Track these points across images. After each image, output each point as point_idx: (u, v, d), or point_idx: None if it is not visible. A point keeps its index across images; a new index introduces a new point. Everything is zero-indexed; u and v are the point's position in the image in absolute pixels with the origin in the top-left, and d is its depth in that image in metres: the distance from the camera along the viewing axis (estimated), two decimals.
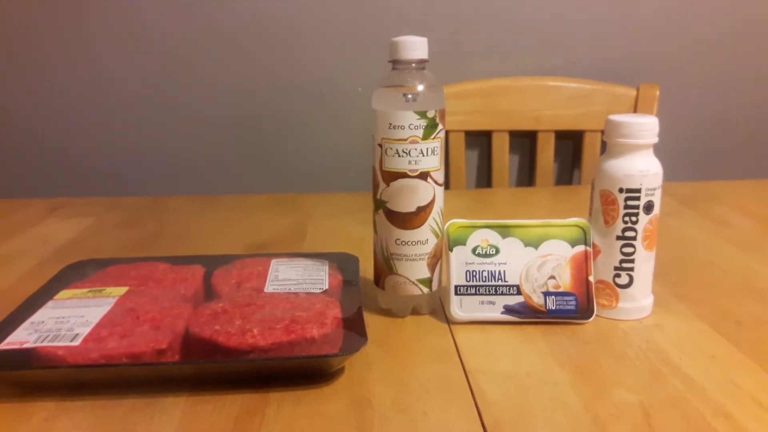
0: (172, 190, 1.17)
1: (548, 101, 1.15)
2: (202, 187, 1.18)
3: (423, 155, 0.53)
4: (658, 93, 1.13)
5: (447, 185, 1.19)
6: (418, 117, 0.52)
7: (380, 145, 0.54)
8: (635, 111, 1.13)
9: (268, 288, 0.55)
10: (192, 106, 1.15)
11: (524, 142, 1.20)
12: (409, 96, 0.52)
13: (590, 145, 1.16)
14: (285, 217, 0.89)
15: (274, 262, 0.61)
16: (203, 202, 0.97)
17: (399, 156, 0.53)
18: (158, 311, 0.50)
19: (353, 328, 0.49)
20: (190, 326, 0.48)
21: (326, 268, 0.60)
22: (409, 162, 0.53)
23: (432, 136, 0.53)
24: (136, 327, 0.48)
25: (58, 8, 1.10)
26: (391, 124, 0.52)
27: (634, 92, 1.14)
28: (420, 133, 0.52)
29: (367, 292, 0.60)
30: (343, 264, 0.62)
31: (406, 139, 0.52)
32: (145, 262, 0.62)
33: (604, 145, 1.19)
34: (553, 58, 1.17)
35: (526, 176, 1.22)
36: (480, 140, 1.19)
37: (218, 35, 1.12)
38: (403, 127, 0.52)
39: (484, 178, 1.22)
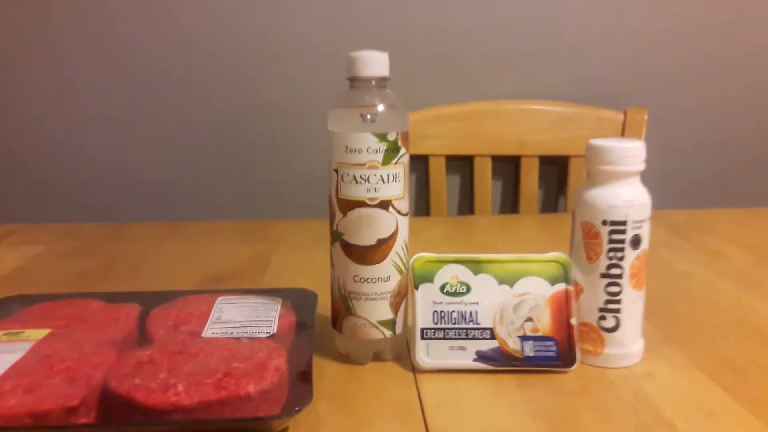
0: (134, 216, 1.11)
1: (532, 125, 1.10)
2: (167, 212, 1.11)
3: (383, 182, 0.47)
4: (646, 117, 1.09)
5: (427, 211, 1.13)
6: (378, 140, 0.46)
7: (336, 171, 0.48)
8: (623, 135, 1.09)
9: (207, 332, 0.49)
10: (157, 127, 1.09)
11: (508, 167, 1.15)
12: (368, 117, 0.47)
13: (576, 171, 1.10)
14: (249, 246, 0.82)
15: (220, 300, 0.54)
16: (165, 230, 0.91)
17: (356, 183, 0.47)
18: (76, 359, 0.44)
19: (300, 382, 0.43)
20: (108, 379, 0.41)
21: (278, 307, 0.53)
22: (368, 189, 0.47)
23: (393, 161, 0.47)
24: (46, 379, 0.42)
25: (18, 24, 1.04)
26: (347, 147, 0.47)
27: (621, 116, 1.10)
28: (380, 157, 0.47)
29: (325, 334, 0.54)
30: (299, 301, 0.56)
31: (364, 164, 0.47)
32: (78, 299, 0.55)
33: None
34: (536, 81, 1.12)
35: (510, 203, 1.17)
36: (462, 165, 1.14)
37: (181, 56, 1.06)
38: (360, 151, 0.46)
39: (466, 204, 1.16)
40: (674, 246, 0.82)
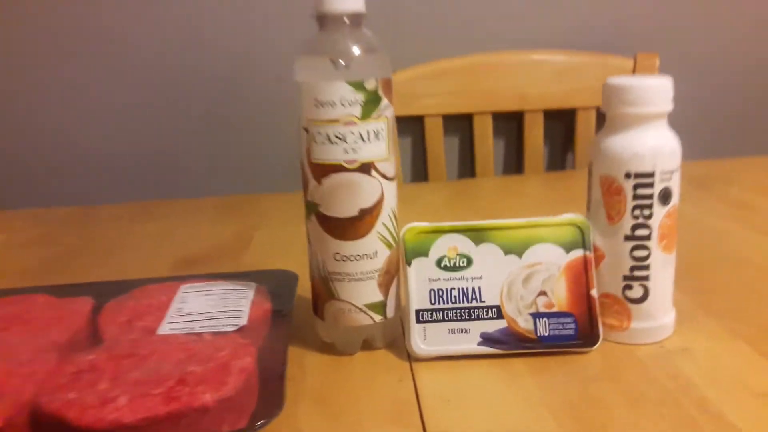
0: (105, 198, 1.03)
1: (534, 77, 1.01)
2: (141, 192, 1.03)
3: (363, 140, 0.39)
4: (658, 62, 1.00)
5: (425, 176, 1.05)
6: (353, 89, 0.39)
7: (306, 130, 0.40)
8: None
9: (164, 328, 0.41)
10: (129, 101, 1.00)
11: (510, 124, 1.07)
12: (340, 62, 0.39)
13: (584, 125, 1.02)
14: (229, 225, 0.75)
15: (183, 288, 0.47)
16: (138, 211, 0.84)
17: (331, 143, 0.39)
18: (5, 370, 0.37)
19: (272, 384, 0.36)
20: (39, 393, 0.34)
21: (251, 293, 0.46)
22: (345, 150, 0.39)
23: (374, 115, 0.39)
24: None
25: None
26: (317, 100, 0.39)
27: (630, 63, 1.01)
28: (357, 110, 0.39)
29: (308, 322, 0.47)
30: (277, 285, 0.49)
31: (338, 120, 0.39)
32: (22, 296, 0.48)
33: (600, 119, 1.06)
34: (536, 28, 1.03)
35: (514, 163, 1.09)
36: (460, 125, 1.06)
37: (143, 26, 0.97)
38: (333, 104, 0.39)
39: (467, 167, 1.08)
40: (697, 200, 0.74)
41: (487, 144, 1.02)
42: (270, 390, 0.36)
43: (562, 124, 1.07)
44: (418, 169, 1.07)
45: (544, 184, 0.89)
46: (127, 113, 1.00)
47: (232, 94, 1.00)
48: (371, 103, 0.39)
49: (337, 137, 0.39)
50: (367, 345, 0.45)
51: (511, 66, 1.01)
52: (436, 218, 0.71)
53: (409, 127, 1.04)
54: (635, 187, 0.41)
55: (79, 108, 1.00)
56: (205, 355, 0.37)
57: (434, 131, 1.01)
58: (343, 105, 0.38)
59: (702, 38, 1.06)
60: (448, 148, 1.07)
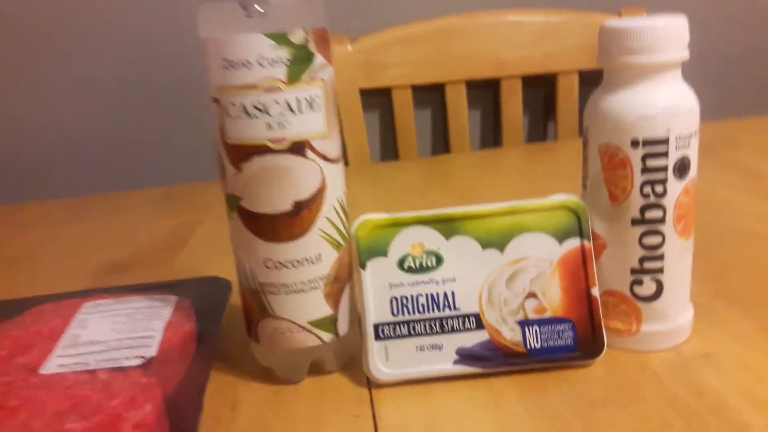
0: (33, 194, 0.92)
1: (511, 40, 0.92)
2: (80, 186, 0.92)
3: (292, 112, 0.30)
4: None
5: (394, 154, 0.96)
6: (274, 44, 0.29)
7: (216, 100, 0.31)
8: None
9: (50, 364, 0.32)
10: (63, 84, 0.89)
11: (485, 93, 0.98)
12: (255, 7, 0.29)
13: (565, 91, 0.93)
14: (169, 219, 0.65)
15: (86, 306, 0.38)
16: (68, 209, 0.73)
17: (249, 116, 0.30)
18: None
19: None
20: None
21: (168, 312, 0.37)
22: (269, 126, 0.30)
23: (305, 77, 0.30)
24: None
25: None
26: (226, 60, 0.29)
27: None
28: (281, 72, 0.29)
29: (243, 342, 0.38)
30: (205, 298, 0.40)
31: (256, 86, 0.29)
32: None
33: (588, 80, 0.97)
34: None
35: (491, 135, 1.00)
36: (431, 96, 0.96)
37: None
38: (248, 64, 0.29)
39: (441, 141, 0.99)
40: (699, 169, 0.65)
41: (461, 116, 0.93)
42: None
43: (542, 92, 0.99)
44: (386, 147, 0.98)
45: (525, 157, 0.80)
46: (56, 100, 0.89)
47: (171, 70, 0.89)
48: (300, 61, 0.30)
49: (256, 108, 0.29)
50: (316, 368, 0.36)
51: (485, 28, 0.91)
52: (405, 202, 0.62)
53: (376, 100, 0.94)
54: (645, 157, 0.32)
55: (8, 94, 0.88)
56: (93, 404, 0.28)
57: (403, 104, 0.92)
58: (261, 65, 0.29)
59: None
60: (419, 122, 0.97)
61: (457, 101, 0.93)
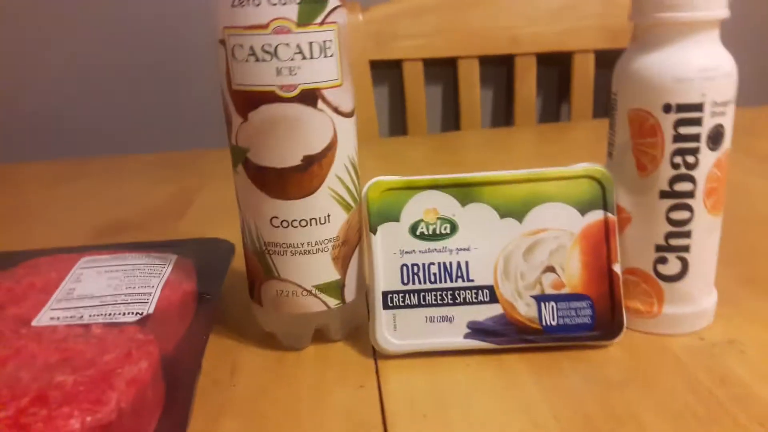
0: (31, 155, 0.90)
1: (526, 15, 0.89)
2: (73, 148, 0.90)
3: (303, 56, 0.28)
4: None
5: (403, 130, 0.94)
6: None
7: (223, 43, 0.29)
8: None
9: (43, 316, 0.31)
10: (53, 54, 0.87)
11: (499, 70, 0.95)
12: None
13: (581, 71, 0.91)
14: (168, 185, 0.63)
15: (82, 262, 0.36)
16: (65, 169, 0.71)
17: (257, 60, 0.28)
18: None
19: (178, 400, 0.26)
20: None
21: (167, 270, 0.35)
22: (279, 71, 0.28)
23: (318, 19, 0.28)
24: None
25: None
26: None
27: None
28: (292, 11, 0.27)
29: (246, 306, 0.36)
30: (206, 259, 0.38)
31: (266, 26, 0.27)
32: None
33: (604, 59, 0.94)
34: None
35: (503, 114, 0.98)
36: (443, 71, 0.94)
37: None
38: (258, 2, 0.27)
39: (451, 118, 0.97)
40: None
41: (473, 92, 0.91)
42: (176, 407, 0.26)
43: (556, 71, 0.96)
44: (395, 122, 0.96)
45: (537, 136, 0.78)
46: (53, 65, 0.87)
47: (167, 35, 0.87)
48: (313, 1, 0.27)
49: (265, 51, 0.27)
50: (321, 336, 0.34)
51: (501, 3, 0.89)
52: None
53: (385, 73, 0.92)
54: (677, 124, 0.30)
55: (2, 61, 0.86)
56: (86, 358, 0.27)
57: (414, 77, 0.89)
58: (272, 3, 0.27)
59: None
60: (429, 97, 0.95)
61: (470, 77, 0.90)
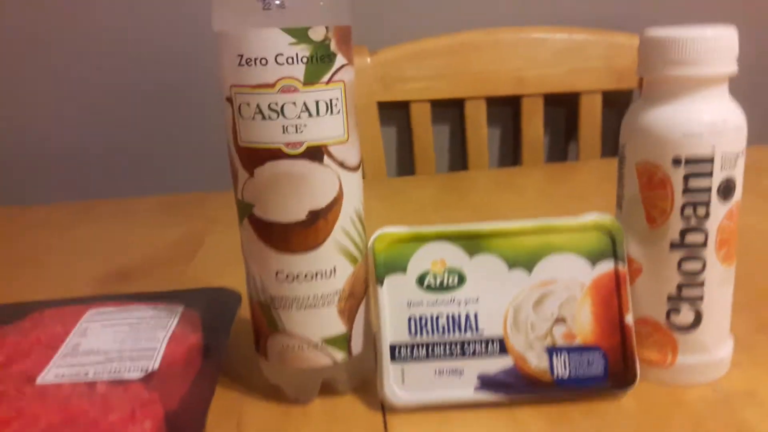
0: (38, 197, 0.90)
1: (533, 58, 0.90)
2: (81, 190, 0.91)
3: (309, 114, 0.28)
4: None
5: (410, 169, 0.94)
6: (294, 40, 0.27)
7: (230, 100, 0.29)
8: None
9: (48, 373, 0.30)
10: (62, 94, 0.89)
11: (505, 110, 0.96)
12: (274, 2, 0.27)
13: (588, 111, 0.91)
14: (177, 227, 0.64)
15: (89, 314, 0.36)
16: (72, 212, 0.72)
17: (264, 118, 0.28)
18: None
19: None
20: None
21: (174, 322, 0.35)
22: (285, 129, 0.28)
23: (325, 78, 0.28)
24: None
25: None
26: (242, 57, 0.28)
27: (638, 40, 0.90)
28: (299, 71, 0.28)
29: (252, 358, 0.36)
30: (213, 309, 0.38)
31: (273, 85, 0.28)
32: None
33: (612, 101, 0.95)
34: (536, 3, 0.92)
35: (510, 154, 0.98)
36: (450, 112, 0.95)
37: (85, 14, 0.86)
38: (265, 62, 0.27)
39: (458, 158, 0.97)
40: None
41: (480, 133, 0.91)
42: None
43: (563, 111, 0.97)
44: (403, 162, 0.96)
45: (545, 176, 0.78)
46: (61, 105, 0.88)
47: (177, 75, 0.88)
48: (320, 60, 0.28)
49: (271, 110, 0.28)
50: (328, 389, 0.34)
51: (507, 45, 0.90)
52: (421, 217, 0.59)
53: (393, 113, 0.93)
54: (687, 177, 0.30)
55: (9, 101, 0.88)
56: (89, 418, 0.26)
57: (421, 118, 0.90)
58: (279, 63, 0.27)
59: (716, 9, 0.95)
60: (437, 138, 0.95)
61: (477, 118, 0.91)
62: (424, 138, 0.91)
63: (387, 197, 0.71)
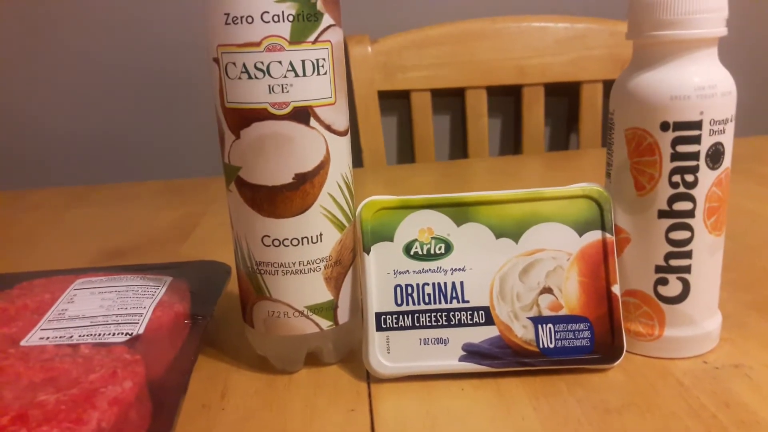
0: (41, 181, 0.91)
1: (534, 46, 0.90)
2: (82, 175, 0.91)
3: (296, 74, 0.28)
4: None
5: (410, 158, 0.94)
6: None
7: (216, 61, 0.29)
8: None
9: (33, 336, 0.30)
10: (64, 78, 0.89)
11: (506, 100, 0.96)
12: None
13: (589, 100, 0.91)
14: (172, 211, 0.64)
15: (77, 283, 0.36)
16: (71, 196, 0.72)
17: (249, 77, 0.28)
18: None
19: (161, 421, 0.25)
20: None
21: (161, 291, 0.35)
22: (271, 88, 0.28)
23: (312, 37, 0.28)
24: None
25: None
26: (229, 15, 0.28)
27: None
28: (285, 30, 0.28)
29: (240, 330, 0.36)
30: (202, 281, 0.38)
31: (259, 44, 0.28)
32: None
33: (608, 90, 0.94)
34: None
35: (511, 143, 0.98)
36: (451, 101, 0.95)
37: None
38: (250, 20, 0.27)
39: (459, 148, 0.97)
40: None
41: (481, 122, 0.91)
42: (161, 429, 0.25)
43: (565, 100, 0.96)
44: (403, 151, 0.96)
45: (543, 164, 0.77)
46: (63, 90, 0.89)
47: (176, 64, 0.89)
48: (306, 19, 0.28)
49: (257, 69, 0.28)
50: (314, 359, 0.33)
51: (508, 34, 0.90)
52: None
53: (394, 103, 0.93)
54: (675, 142, 0.30)
55: (12, 86, 0.88)
56: (71, 377, 0.26)
57: (422, 108, 0.90)
58: (265, 21, 0.27)
59: None
60: (437, 127, 0.95)
61: (478, 107, 0.91)
62: (424, 127, 0.90)
63: (386, 183, 0.71)
